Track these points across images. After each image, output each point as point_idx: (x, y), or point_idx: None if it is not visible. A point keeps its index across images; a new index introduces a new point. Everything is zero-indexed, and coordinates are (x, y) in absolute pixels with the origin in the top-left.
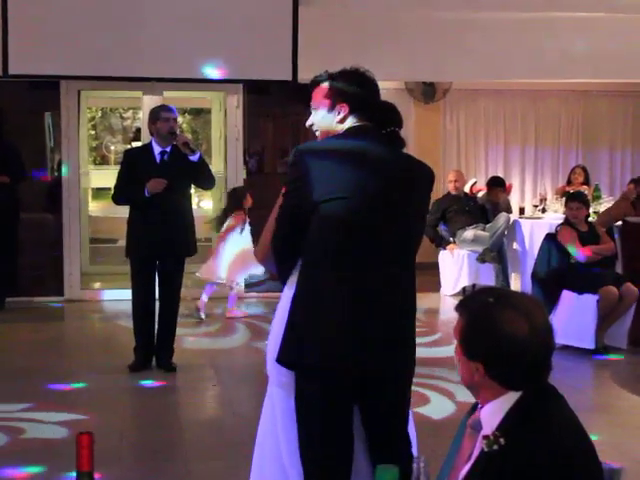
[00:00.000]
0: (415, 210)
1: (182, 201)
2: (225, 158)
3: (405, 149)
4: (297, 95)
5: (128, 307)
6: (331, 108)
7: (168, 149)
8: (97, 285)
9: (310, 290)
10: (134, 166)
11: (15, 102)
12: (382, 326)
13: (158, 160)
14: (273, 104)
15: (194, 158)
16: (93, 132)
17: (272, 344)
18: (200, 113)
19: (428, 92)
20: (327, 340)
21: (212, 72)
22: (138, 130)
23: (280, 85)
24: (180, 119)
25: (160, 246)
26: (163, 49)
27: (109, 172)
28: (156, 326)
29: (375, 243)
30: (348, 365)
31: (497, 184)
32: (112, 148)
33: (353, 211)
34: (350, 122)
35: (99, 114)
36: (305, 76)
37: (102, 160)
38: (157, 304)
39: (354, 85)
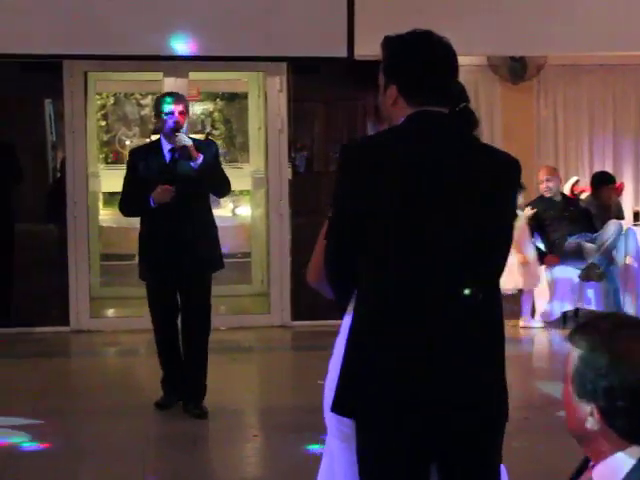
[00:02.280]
0: (493, 216)
1: (200, 207)
2: (266, 154)
3: (479, 129)
4: (354, 75)
5: (149, 338)
6: (385, 87)
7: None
8: (110, 312)
9: (363, 321)
10: (140, 166)
11: (7, 88)
12: (457, 365)
13: (168, 159)
14: (324, 87)
15: (194, 165)
16: (104, 123)
17: (329, 388)
18: (234, 99)
19: (517, 69)
20: (387, 383)
21: (248, 48)
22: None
23: (333, 63)
24: (210, 106)
25: (177, 264)
26: (188, 21)
27: (123, 173)
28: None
29: (439, 263)
30: (418, 413)
31: (605, 182)
32: (127, 143)
33: (407, 224)
34: (404, 106)
35: (111, 101)
36: (363, 52)
37: (115, 158)
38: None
39: (402, 55)
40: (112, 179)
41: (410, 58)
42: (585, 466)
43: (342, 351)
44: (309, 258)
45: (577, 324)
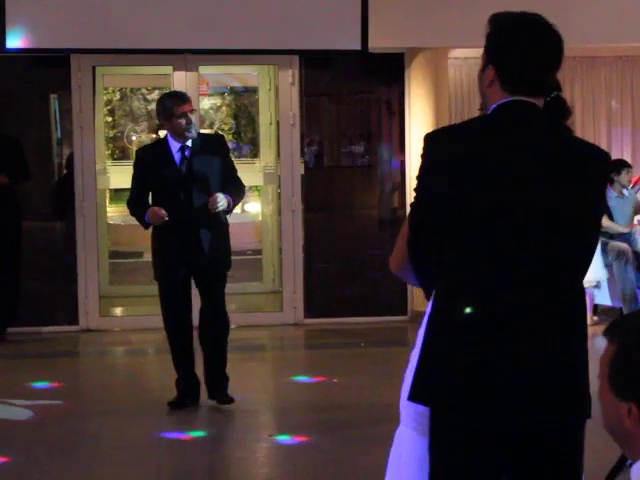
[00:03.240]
0: (581, 209)
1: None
2: (277, 149)
3: (571, 120)
4: (368, 69)
5: (159, 337)
6: (483, 66)
7: (189, 142)
8: (119, 311)
9: (440, 310)
10: (149, 169)
11: (14, 83)
12: (538, 357)
13: (178, 160)
14: (338, 80)
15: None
16: (110, 119)
17: (409, 378)
18: (244, 93)
19: None
20: (466, 372)
21: (259, 41)
22: None
23: (346, 56)
24: (218, 101)
25: (192, 262)
26: (198, 14)
27: (130, 169)
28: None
29: (523, 256)
30: (496, 403)
31: (623, 165)
32: (134, 139)
33: (490, 215)
34: (498, 90)
35: (117, 96)
36: (378, 44)
37: (122, 154)
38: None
39: (507, 36)
40: (119, 175)
41: (514, 42)
42: (622, 465)
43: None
44: (321, 255)
45: (614, 320)
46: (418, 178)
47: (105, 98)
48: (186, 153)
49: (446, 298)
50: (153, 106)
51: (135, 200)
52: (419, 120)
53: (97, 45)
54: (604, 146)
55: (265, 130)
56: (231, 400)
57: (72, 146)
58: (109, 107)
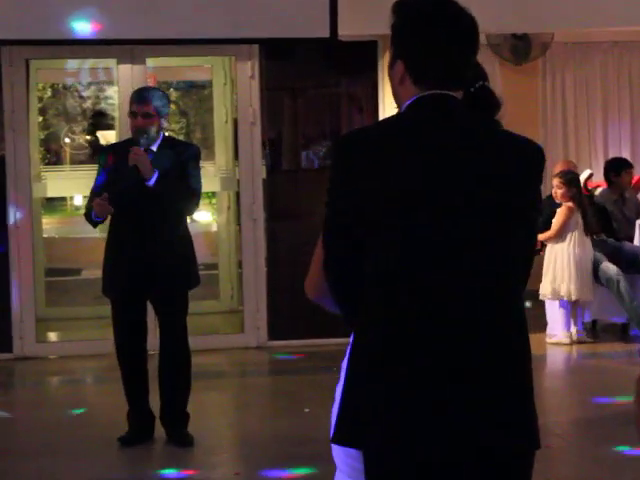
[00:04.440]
0: (516, 214)
1: (172, 217)
2: (235, 151)
3: (501, 113)
4: (337, 59)
5: (103, 364)
6: (391, 62)
7: (154, 147)
8: (58, 336)
9: (364, 340)
10: (110, 170)
11: None
12: (479, 391)
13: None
14: (303, 73)
15: (149, 183)
16: (41, 119)
17: (336, 417)
18: (193, 88)
19: (520, 48)
20: (397, 411)
21: (213, 30)
22: (99, 114)
23: (313, 46)
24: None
25: (147, 277)
26: (144, 0)
27: (66, 175)
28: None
29: (450, 269)
30: (433, 444)
31: (622, 167)
32: (67, 141)
33: (415, 225)
34: (411, 86)
35: (48, 93)
36: (349, 31)
37: (56, 158)
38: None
39: (412, 24)
40: (56, 183)
41: (421, 30)
42: None
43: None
44: (286, 269)
45: None
46: (329, 191)
47: (36, 95)
48: (148, 156)
49: (366, 323)
50: (89, 104)
51: (90, 200)
52: None
53: (31, 35)
54: (600, 141)
55: (220, 129)
56: (191, 441)
57: (3, 150)
58: (40, 105)
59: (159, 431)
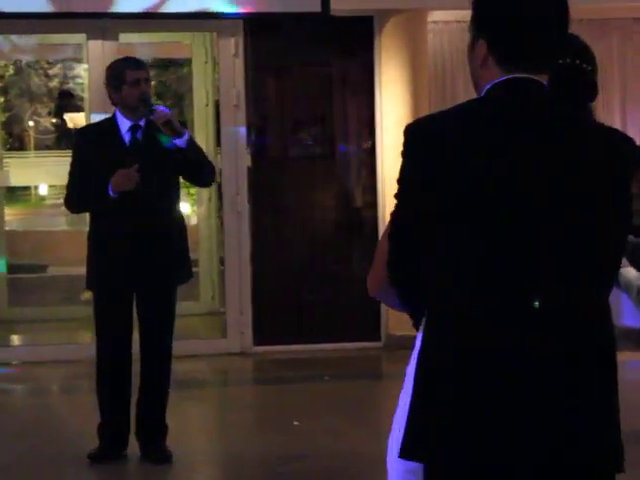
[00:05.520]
0: (603, 215)
1: (168, 202)
2: (216, 137)
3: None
4: (329, 36)
5: (70, 371)
6: (472, 43)
7: (142, 122)
8: (21, 339)
9: (435, 344)
10: (93, 152)
11: None
12: (558, 407)
13: (127, 140)
14: (292, 51)
15: (180, 142)
16: (1, 100)
17: (398, 427)
18: (172, 67)
19: None
20: (466, 424)
21: (194, 2)
22: (66, 95)
23: (303, 21)
24: None
25: (138, 272)
26: None
27: (30, 162)
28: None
29: (532, 269)
30: (502, 464)
31: None
32: (32, 124)
33: (495, 220)
34: (494, 69)
35: (10, 71)
36: (341, 5)
37: (19, 143)
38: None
39: (494, 5)
40: (19, 170)
41: (506, 4)
42: None
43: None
44: (273, 267)
45: None
46: (399, 182)
47: None
48: (137, 134)
49: (436, 328)
50: (55, 83)
51: (80, 184)
52: (392, 98)
53: None
54: (617, 128)
55: (200, 112)
56: (170, 458)
57: None
58: (0, 85)
59: (132, 447)
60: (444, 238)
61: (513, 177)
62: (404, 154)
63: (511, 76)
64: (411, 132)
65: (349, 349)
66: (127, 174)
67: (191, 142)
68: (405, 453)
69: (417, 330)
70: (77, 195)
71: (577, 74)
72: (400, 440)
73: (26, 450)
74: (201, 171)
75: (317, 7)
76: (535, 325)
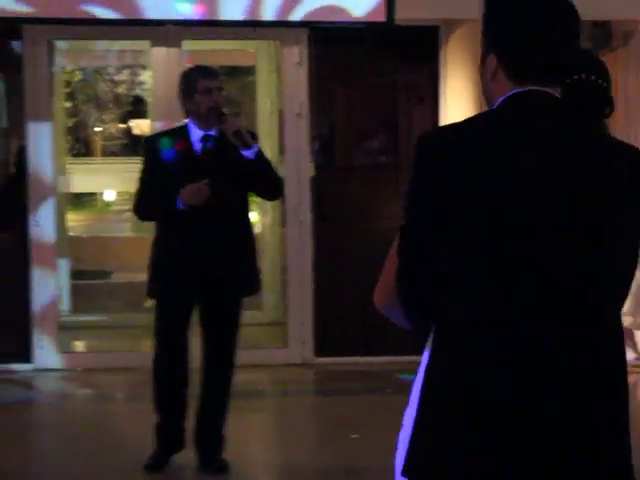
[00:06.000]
0: (617, 235)
1: (237, 213)
2: (280, 145)
3: (609, 120)
4: (394, 46)
5: (131, 379)
6: (483, 56)
7: (213, 132)
8: (82, 345)
9: (442, 366)
10: (163, 161)
11: None
12: (568, 433)
13: (199, 150)
14: (356, 60)
15: (248, 154)
16: (68, 105)
17: (402, 445)
18: (236, 74)
19: (599, 36)
20: (472, 449)
21: (259, 10)
22: (138, 101)
23: (367, 30)
24: None
25: (205, 282)
26: None
27: (95, 169)
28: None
29: (543, 292)
30: None
31: None
32: (98, 130)
33: (498, 245)
34: (504, 82)
35: (78, 76)
36: (407, 15)
37: (84, 149)
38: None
39: (505, 11)
40: (83, 176)
41: (514, 16)
42: None
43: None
44: (336, 277)
45: None
46: (408, 195)
47: (63, 79)
48: (208, 144)
49: (444, 345)
50: (121, 89)
51: (150, 192)
52: (457, 109)
53: (55, 14)
54: None
55: (264, 121)
56: (226, 467)
57: (22, 139)
58: (67, 90)
59: (190, 456)
60: (453, 253)
61: (523, 197)
62: (413, 165)
63: (522, 89)
64: (422, 143)
65: (412, 361)
66: (197, 189)
67: (260, 155)
68: (407, 471)
69: (422, 346)
70: (146, 204)
71: (593, 90)
72: (403, 458)
73: (87, 455)
74: (269, 184)
75: (382, 17)
76: (547, 341)
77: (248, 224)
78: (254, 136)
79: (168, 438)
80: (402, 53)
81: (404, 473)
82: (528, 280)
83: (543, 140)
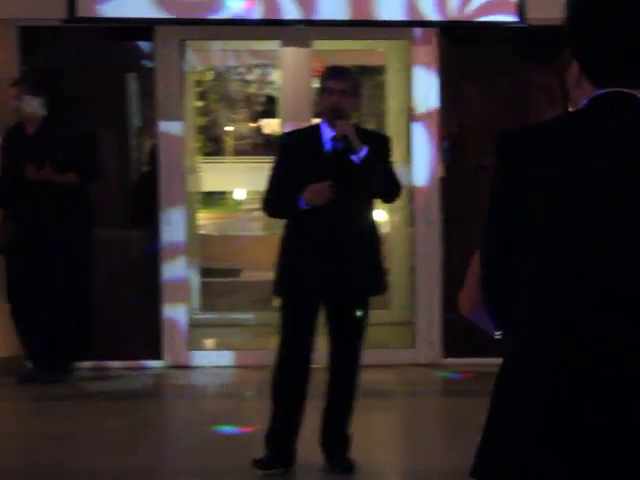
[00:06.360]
0: None
1: (360, 213)
2: (409, 145)
3: None
4: (525, 46)
5: (265, 376)
6: (568, 66)
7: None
8: (212, 343)
9: (510, 365)
10: (293, 158)
11: (84, 61)
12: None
13: (328, 149)
14: (488, 60)
15: (355, 159)
16: (200, 104)
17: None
18: (367, 74)
19: None
20: (541, 451)
21: (389, 10)
22: (270, 100)
23: (499, 30)
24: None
25: (331, 280)
26: None
27: (226, 168)
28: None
29: (610, 289)
30: None
31: None
32: (229, 129)
33: (571, 244)
34: (589, 89)
35: (209, 76)
36: (540, 15)
37: (215, 147)
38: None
39: (583, 17)
40: (213, 175)
41: (592, 19)
42: None
43: None
44: (464, 278)
45: None
46: (490, 195)
47: (194, 79)
48: (338, 145)
49: (514, 354)
50: (253, 89)
51: (278, 189)
52: None
53: (187, 14)
54: None
55: (393, 121)
56: (352, 467)
57: (155, 138)
58: (200, 89)
59: (318, 457)
60: (532, 252)
61: (594, 190)
62: (494, 165)
63: (606, 91)
64: (501, 142)
65: None
66: (320, 190)
67: (367, 160)
68: (476, 472)
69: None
70: (273, 202)
71: None
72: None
73: (208, 456)
74: (378, 188)
75: (513, 17)
76: (610, 342)
77: (372, 224)
78: (375, 139)
79: (279, 445)
80: (534, 53)
81: (473, 474)
82: (594, 280)
83: (614, 141)
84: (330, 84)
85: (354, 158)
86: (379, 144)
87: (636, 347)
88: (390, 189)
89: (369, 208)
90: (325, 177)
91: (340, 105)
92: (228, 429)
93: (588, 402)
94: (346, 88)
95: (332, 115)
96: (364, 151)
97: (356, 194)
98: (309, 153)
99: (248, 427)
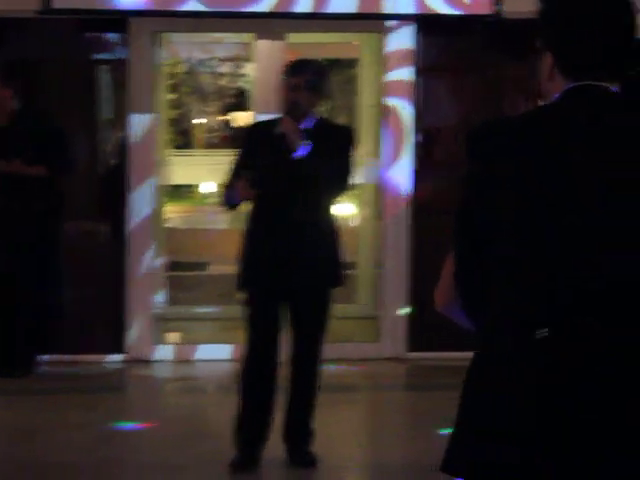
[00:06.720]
0: None
1: (322, 204)
2: (378, 138)
3: None
4: (500, 39)
5: (228, 370)
6: (540, 59)
7: (311, 124)
8: (178, 337)
9: (483, 362)
10: (254, 150)
11: (57, 52)
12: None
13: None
14: (462, 53)
15: (296, 155)
16: (171, 97)
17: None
18: (338, 67)
19: None
20: (513, 444)
21: (364, 3)
22: (241, 93)
23: (474, 23)
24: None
25: (288, 275)
26: None
27: (194, 160)
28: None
29: (589, 293)
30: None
31: None
32: (198, 122)
33: (546, 238)
34: (561, 82)
35: (182, 68)
36: (515, 8)
37: (185, 140)
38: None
39: (556, 8)
40: (182, 169)
41: (565, 11)
42: None
43: None
44: (432, 271)
45: None
46: (463, 193)
47: (166, 71)
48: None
49: (484, 349)
50: (224, 82)
51: (230, 184)
52: None
53: (160, 6)
54: None
55: (366, 114)
56: (314, 461)
57: (124, 131)
58: (171, 82)
59: (279, 450)
60: (501, 251)
61: (569, 193)
62: (467, 159)
63: (578, 84)
64: (472, 136)
65: None
66: (241, 186)
67: (309, 157)
68: (445, 467)
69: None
70: (222, 192)
71: None
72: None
73: (175, 450)
74: (318, 182)
75: (488, 9)
76: (603, 343)
77: (329, 217)
78: (338, 131)
79: (248, 439)
80: (508, 46)
81: (443, 468)
82: (565, 281)
83: (590, 137)
84: (284, 79)
85: (294, 155)
86: (340, 137)
87: (611, 347)
88: (333, 185)
89: (326, 202)
90: (275, 171)
91: (293, 100)
92: (191, 423)
93: (573, 402)
94: (299, 83)
95: (283, 110)
96: (303, 149)
97: (307, 189)
98: (265, 146)
99: (212, 421)
